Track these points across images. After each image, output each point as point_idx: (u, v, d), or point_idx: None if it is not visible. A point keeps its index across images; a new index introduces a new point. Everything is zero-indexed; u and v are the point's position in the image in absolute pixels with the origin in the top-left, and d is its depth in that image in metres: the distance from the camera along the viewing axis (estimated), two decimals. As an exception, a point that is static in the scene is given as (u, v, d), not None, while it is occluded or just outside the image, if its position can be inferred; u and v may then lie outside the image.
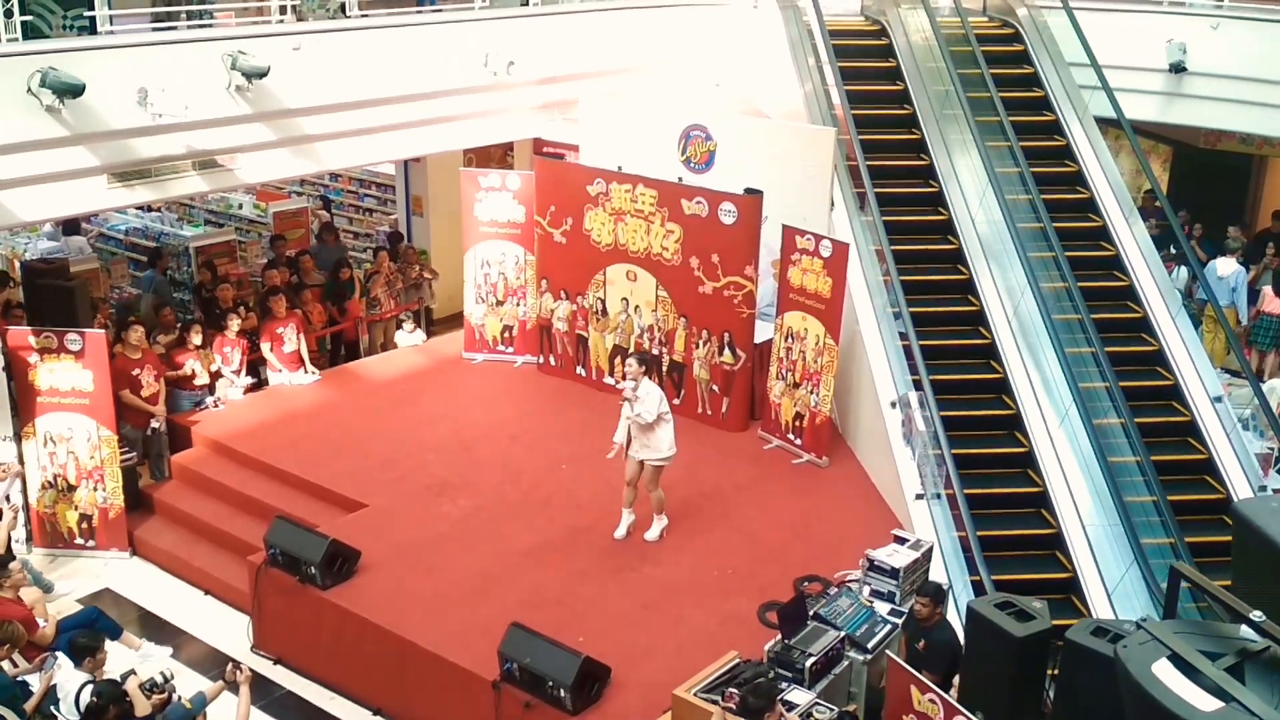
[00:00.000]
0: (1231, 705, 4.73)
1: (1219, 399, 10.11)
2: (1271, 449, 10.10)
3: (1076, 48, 12.29)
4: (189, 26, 11.03)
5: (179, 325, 12.11)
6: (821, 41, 12.75)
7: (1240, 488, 9.48)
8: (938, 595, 7.78)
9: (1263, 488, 9.50)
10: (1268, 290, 14.32)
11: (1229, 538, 8.44)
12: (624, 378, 9.68)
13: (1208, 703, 4.77)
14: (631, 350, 11.68)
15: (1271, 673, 4.98)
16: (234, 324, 11.91)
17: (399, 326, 13.88)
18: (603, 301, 12.24)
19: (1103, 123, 12.26)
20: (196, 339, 11.62)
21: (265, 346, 12.27)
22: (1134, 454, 9.51)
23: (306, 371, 12.47)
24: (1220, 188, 16.74)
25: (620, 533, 9.75)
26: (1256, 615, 5.09)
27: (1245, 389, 10.97)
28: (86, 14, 9.98)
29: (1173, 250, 13.40)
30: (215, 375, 11.89)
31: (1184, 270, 12.30)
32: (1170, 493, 9.24)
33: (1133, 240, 11.25)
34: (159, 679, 7.32)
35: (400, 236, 15.45)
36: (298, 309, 12.59)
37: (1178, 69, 13.34)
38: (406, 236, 16.18)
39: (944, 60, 12.23)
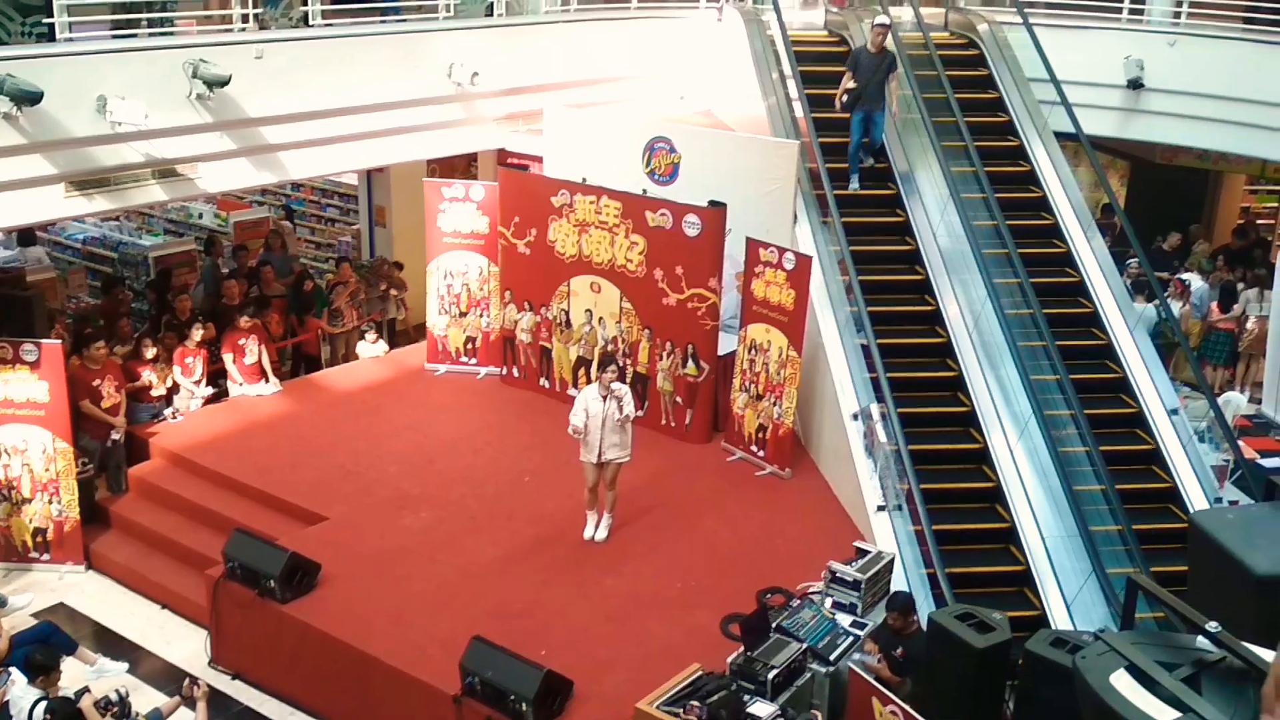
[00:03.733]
0: (1188, 716, 4.78)
1: (1175, 412, 10.23)
2: (1227, 461, 10.23)
3: (1036, 64, 12.45)
4: (149, 34, 10.93)
5: (134, 336, 11.97)
6: (785, 55, 12.83)
7: (1190, 486, 9.60)
8: (906, 608, 7.82)
9: (1218, 499, 9.62)
10: (1214, 306, 14.53)
11: (1172, 525, 8.58)
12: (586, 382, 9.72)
13: (1165, 713, 4.82)
14: (597, 357, 11.68)
15: (1228, 683, 5.04)
16: (196, 334, 11.79)
17: (361, 337, 13.79)
18: (566, 313, 12.22)
19: (1062, 138, 12.40)
20: (150, 351, 11.45)
21: (227, 358, 12.16)
22: (1085, 445, 9.64)
23: (267, 382, 12.36)
24: (1177, 202, 16.98)
25: (589, 533, 9.80)
26: (1213, 626, 5.15)
27: (1201, 402, 11.12)
28: (45, 21, 9.86)
29: (1132, 269, 13.56)
30: (173, 387, 11.76)
31: (1151, 308, 12.48)
32: (1122, 491, 9.35)
33: (1092, 257, 11.37)
34: (114, 696, 7.22)
35: (388, 263, 15.17)
36: (258, 320, 12.48)
37: (1135, 85, 13.53)
38: (370, 248, 16.13)
39: (906, 77, 12.33)
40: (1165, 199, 16.91)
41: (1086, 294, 11.18)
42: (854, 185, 11.95)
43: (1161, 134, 14.32)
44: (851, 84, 11.83)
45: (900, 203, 12.01)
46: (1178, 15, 13.84)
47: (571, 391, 12.01)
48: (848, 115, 11.95)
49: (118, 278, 14.16)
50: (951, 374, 10.69)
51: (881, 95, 11.82)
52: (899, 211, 11.99)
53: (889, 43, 11.91)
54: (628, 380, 11.58)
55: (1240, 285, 14.85)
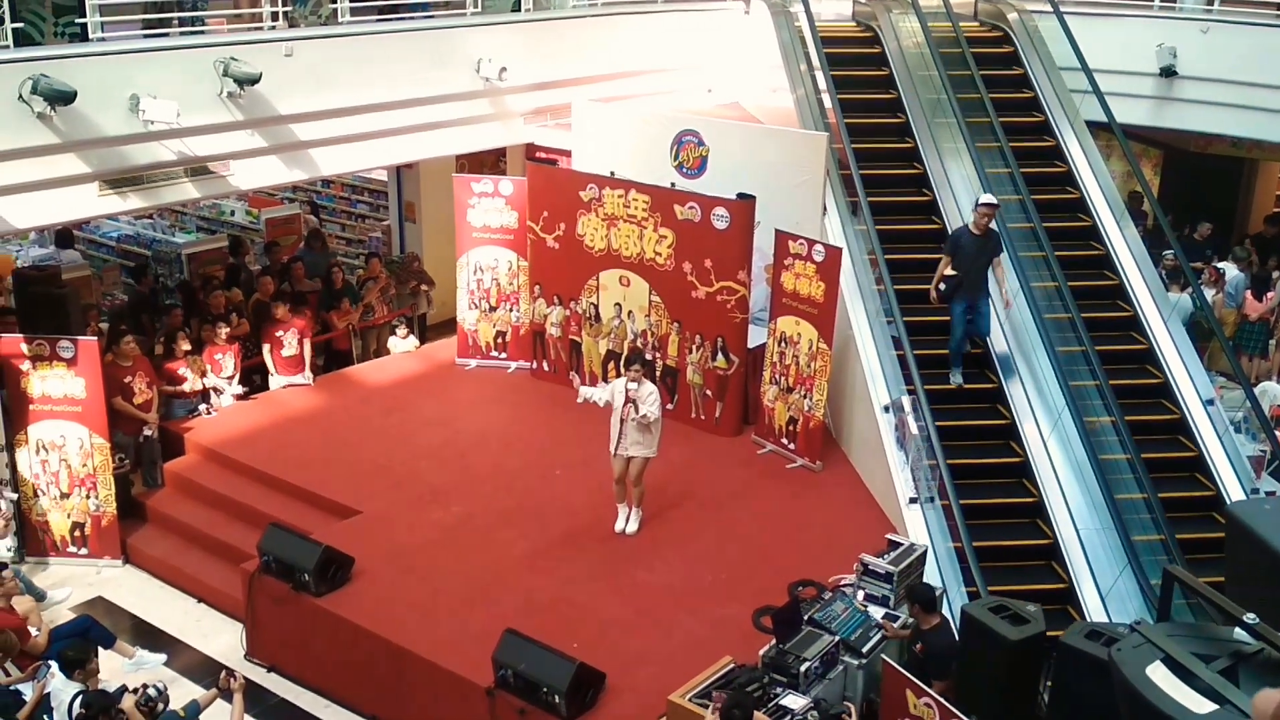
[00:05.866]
0: (1225, 707, 4.74)
1: (1210, 401, 10.14)
2: (1264, 451, 10.13)
3: (1067, 52, 12.34)
4: (180, 33, 11.03)
5: (162, 333, 12.08)
6: (813, 46, 12.77)
7: (1233, 490, 9.51)
8: (928, 603, 7.76)
9: (1255, 490, 9.52)
10: (1249, 295, 14.35)
11: (1220, 534, 8.51)
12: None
13: (1202, 705, 4.79)
14: (625, 351, 11.69)
15: (1265, 675, 5.00)
16: (222, 331, 11.89)
17: (392, 332, 13.86)
18: (596, 307, 12.24)
19: (1094, 126, 12.30)
20: (185, 345, 11.58)
21: (265, 349, 12.27)
22: (1125, 451, 9.55)
23: (302, 373, 12.44)
24: (1211, 191, 16.79)
25: (619, 526, 9.81)
26: (1250, 617, 5.11)
27: (1237, 392, 11.02)
28: (78, 21, 9.96)
29: (1167, 260, 13.42)
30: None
31: (1186, 298, 12.35)
32: (1161, 490, 9.27)
33: (1131, 259, 11.24)
34: (153, 692, 7.28)
35: (418, 258, 15.30)
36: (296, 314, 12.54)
37: (1168, 73, 13.39)
38: (400, 244, 16.19)
39: (935, 66, 12.25)
40: (1199, 188, 16.72)
41: (1126, 297, 11.05)
42: (956, 380, 10.44)
43: (1195, 122, 14.17)
44: (950, 271, 10.27)
45: (930, 187, 11.95)
46: (1210, 2, 13.68)
47: (601, 385, 12.04)
48: (944, 304, 10.47)
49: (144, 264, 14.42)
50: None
51: (985, 282, 10.30)
52: (925, 191, 11.95)
53: (994, 223, 10.36)
54: (658, 373, 11.60)
55: (1275, 274, 14.67)
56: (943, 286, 10.36)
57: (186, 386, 11.60)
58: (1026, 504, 9.65)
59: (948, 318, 10.49)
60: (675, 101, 14.25)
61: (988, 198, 10.34)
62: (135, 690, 7.23)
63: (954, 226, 11.38)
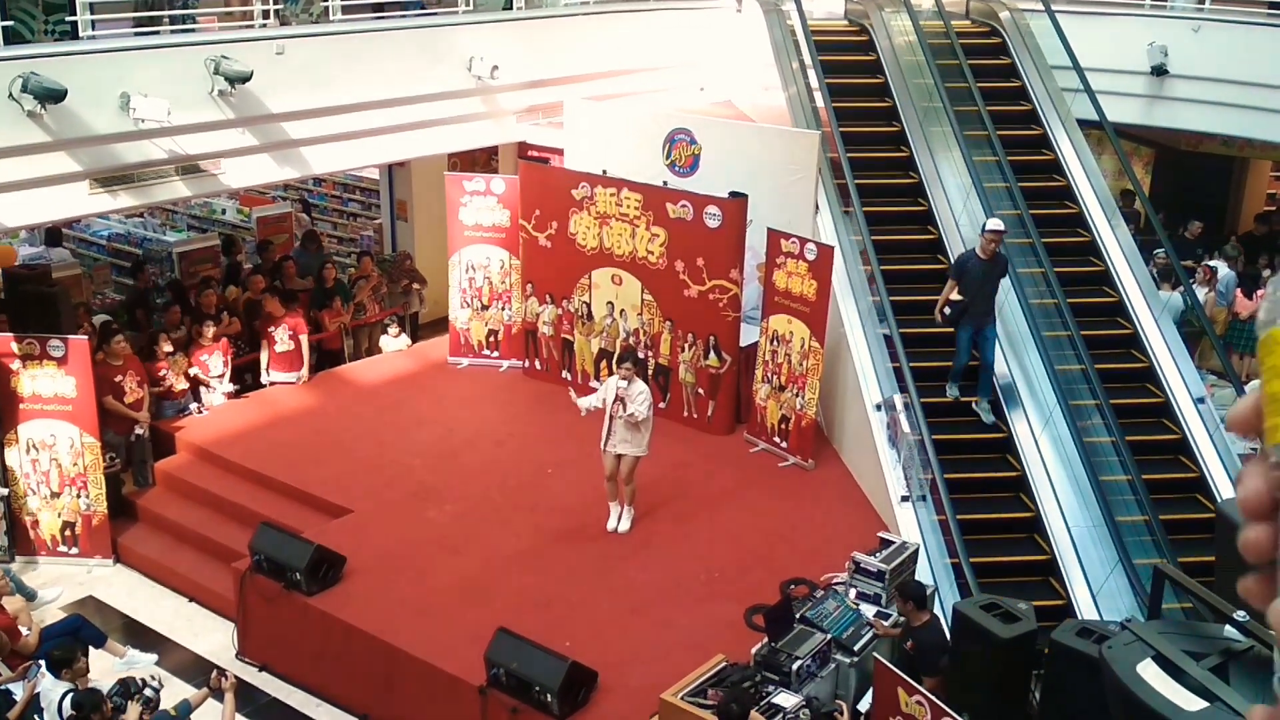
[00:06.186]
0: (1216, 705, 4.75)
1: (1202, 400, 10.17)
2: (1254, 449, 10.13)
3: (1059, 51, 12.37)
4: (171, 31, 10.99)
5: (149, 332, 12.04)
6: (805, 44, 12.78)
7: (1216, 473, 9.54)
8: (918, 599, 7.78)
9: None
10: (1239, 294, 14.40)
11: (1204, 514, 8.52)
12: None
13: (1192, 702, 4.79)
14: (618, 350, 11.69)
15: (1255, 672, 5.01)
16: (208, 331, 11.85)
17: (384, 331, 13.84)
18: (588, 305, 12.23)
19: (1085, 125, 12.33)
20: (167, 347, 11.52)
21: (262, 344, 12.27)
22: (1110, 434, 9.60)
23: (298, 371, 12.43)
24: (1202, 189, 16.84)
25: (611, 524, 9.81)
26: (1240, 615, 5.12)
27: (1228, 390, 11.05)
28: (68, 19, 9.94)
29: (1159, 259, 13.46)
30: (196, 382, 11.83)
31: (1177, 296, 12.40)
32: (1145, 473, 9.31)
33: (1117, 246, 11.29)
34: (150, 693, 7.26)
35: (410, 257, 15.29)
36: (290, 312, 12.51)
37: (1159, 72, 13.43)
38: (392, 242, 16.16)
39: (928, 66, 12.26)
40: (1190, 186, 16.77)
41: (1111, 283, 11.13)
42: (953, 393, 10.37)
43: (1186, 121, 14.22)
44: (956, 295, 10.11)
45: (922, 191, 11.96)
46: (1201, 1, 13.73)
47: (594, 384, 12.04)
48: (950, 329, 10.31)
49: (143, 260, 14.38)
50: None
51: (991, 306, 10.16)
52: (921, 200, 11.94)
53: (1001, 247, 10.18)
54: (650, 372, 11.59)
55: (1266, 272, 14.72)
56: (948, 310, 10.20)
57: (175, 388, 11.55)
58: (1024, 519, 9.63)
59: (943, 329, 10.49)
60: (667, 100, 14.24)
61: (994, 223, 10.06)
62: (135, 695, 7.20)
63: (947, 231, 11.43)
